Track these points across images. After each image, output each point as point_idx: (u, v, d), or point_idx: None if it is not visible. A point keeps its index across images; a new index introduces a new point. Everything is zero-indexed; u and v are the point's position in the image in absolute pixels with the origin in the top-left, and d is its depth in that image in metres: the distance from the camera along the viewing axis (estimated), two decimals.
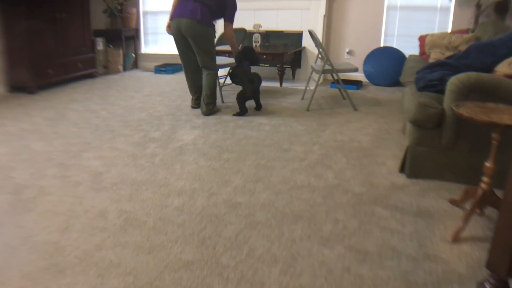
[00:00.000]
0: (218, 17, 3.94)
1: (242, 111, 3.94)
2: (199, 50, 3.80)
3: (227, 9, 3.86)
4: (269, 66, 5.95)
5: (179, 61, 6.81)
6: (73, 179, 2.52)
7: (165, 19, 6.43)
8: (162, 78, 6.17)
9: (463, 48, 3.68)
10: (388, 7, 5.56)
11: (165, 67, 6.58)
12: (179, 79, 5.97)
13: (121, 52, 6.48)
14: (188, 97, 4.78)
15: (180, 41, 3.88)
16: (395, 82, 5.37)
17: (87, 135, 3.37)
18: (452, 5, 5.26)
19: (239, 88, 4.01)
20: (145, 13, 6.95)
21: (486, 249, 1.64)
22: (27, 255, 1.74)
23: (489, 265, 1.47)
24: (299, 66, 5.88)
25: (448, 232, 1.93)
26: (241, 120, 3.81)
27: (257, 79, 3.97)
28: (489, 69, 2.74)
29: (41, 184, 2.45)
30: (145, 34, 7.06)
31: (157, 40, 7.08)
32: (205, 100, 3.95)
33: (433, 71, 2.92)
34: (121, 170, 2.66)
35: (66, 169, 2.67)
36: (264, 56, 5.29)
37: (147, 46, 7.13)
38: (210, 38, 3.82)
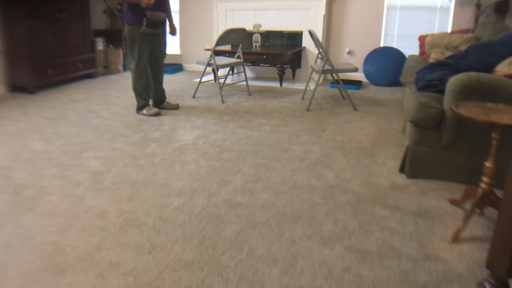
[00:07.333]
0: (136, 4, 3.64)
1: None
2: None
3: None
4: (269, 66, 5.95)
5: (178, 61, 6.81)
6: (73, 179, 2.52)
7: None
8: None
9: (463, 48, 3.68)
10: (388, 7, 5.56)
11: (164, 67, 6.55)
12: (179, 79, 5.97)
13: (121, 52, 6.48)
14: (187, 97, 4.78)
15: None
16: (395, 82, 5.37)
17: (87, 135, 3.37)
18: (452, 5, 5.26)
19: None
20: None
21: (486, 249, 1.64)
22: (27, 255, 1.74)
23: (489, 265, 1.47)
24: (299, 66, 5.88)
25: (448, 232, 1.93)
26: (241, 120, 3.81)
27: None
28: (489, 69, 2.74)
29: (41, 184, 2.45)
30: None
31: None
32: None
33: (433, 71, 2.92)
34: (121, 170, 2.66)
35: (66, 169, 2.67)
36: (264, 56, 5.29)
37: None
38: (128, 35, 3.84)
